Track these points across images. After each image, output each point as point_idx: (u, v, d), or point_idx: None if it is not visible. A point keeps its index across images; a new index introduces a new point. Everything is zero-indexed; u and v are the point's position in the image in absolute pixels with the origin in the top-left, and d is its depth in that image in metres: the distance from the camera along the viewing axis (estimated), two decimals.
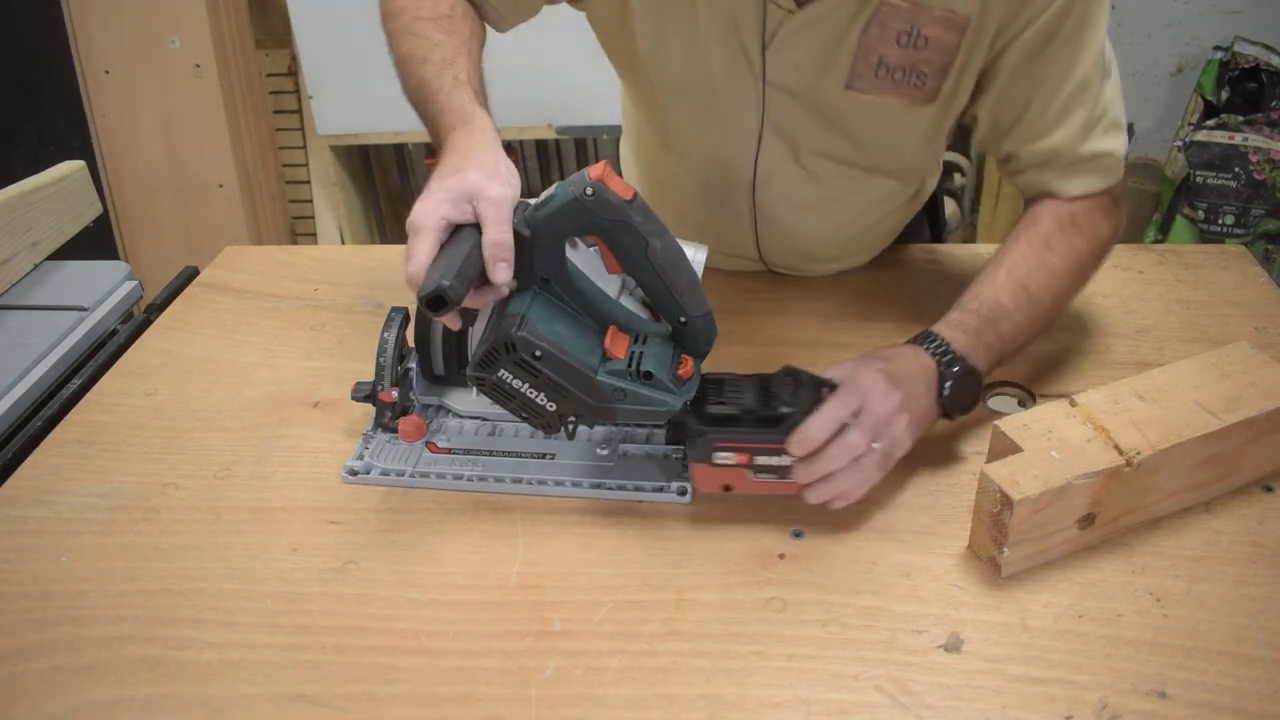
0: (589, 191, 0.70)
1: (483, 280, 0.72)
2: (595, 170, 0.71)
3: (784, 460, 0.75)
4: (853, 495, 0.75)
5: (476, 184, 0.72)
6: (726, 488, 0.78)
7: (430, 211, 0.71)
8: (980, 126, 0.93)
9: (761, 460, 0.76)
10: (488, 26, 0.95)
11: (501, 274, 0.71)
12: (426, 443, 0.87)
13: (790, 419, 0.74)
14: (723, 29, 0.88)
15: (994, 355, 0.83)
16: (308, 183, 2.66)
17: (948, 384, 0.80)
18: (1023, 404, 0.92)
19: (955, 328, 0.83)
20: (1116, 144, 0.90)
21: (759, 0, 0.85)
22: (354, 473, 0.85)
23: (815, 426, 0.74)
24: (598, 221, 0.72)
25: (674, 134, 1.01)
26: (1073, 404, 0.77)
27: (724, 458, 0.76)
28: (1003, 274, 0.86)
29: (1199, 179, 2.36)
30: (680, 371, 0.75)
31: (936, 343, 0.81)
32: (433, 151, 3.15)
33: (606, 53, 0.99)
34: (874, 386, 0.75)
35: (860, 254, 1.11)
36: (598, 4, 0.93)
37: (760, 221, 1.03)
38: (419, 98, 0.85)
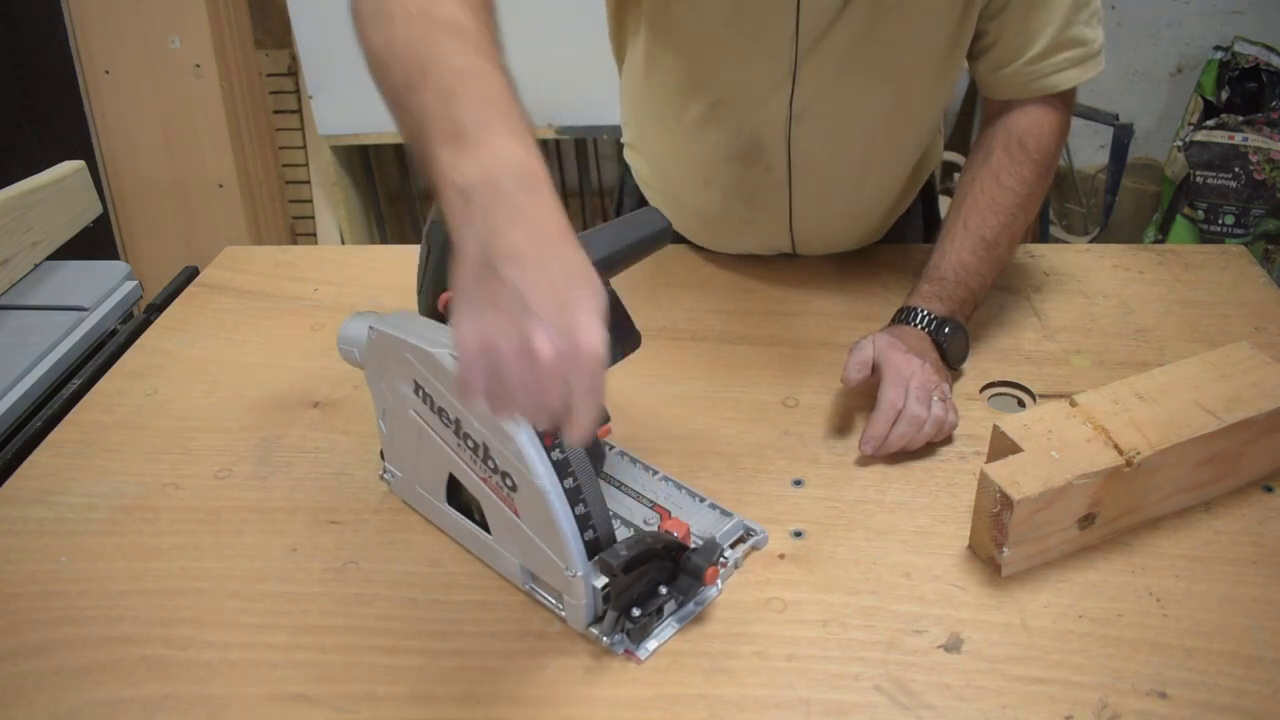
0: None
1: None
2: None
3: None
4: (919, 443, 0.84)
5: None
6: None
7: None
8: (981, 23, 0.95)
9: None
10: None
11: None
12: None
13: None
14: None
15: (970, 306, 0.95)
16: (308, 183, 2.66)
17: (943, 345, 0.91)
18: (1023, 404, 0.92)
19: (931, 299, 0.93)
20: (1097, 33, 0.95)
21: None
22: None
23: (879, 425, 0.82)
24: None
25: (701, 76, 0.98)
26: (1073, 404, 0.77)
27: None
28: (960, 230, 0.96)
29: (1199, 179, 2.36)
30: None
31: (919, 317, 0.92)
32: None
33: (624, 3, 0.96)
34: (908, 362, 0.85)
35: (874, 217, 1.09)
36: None
37: (794, 170, 1.01)
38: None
